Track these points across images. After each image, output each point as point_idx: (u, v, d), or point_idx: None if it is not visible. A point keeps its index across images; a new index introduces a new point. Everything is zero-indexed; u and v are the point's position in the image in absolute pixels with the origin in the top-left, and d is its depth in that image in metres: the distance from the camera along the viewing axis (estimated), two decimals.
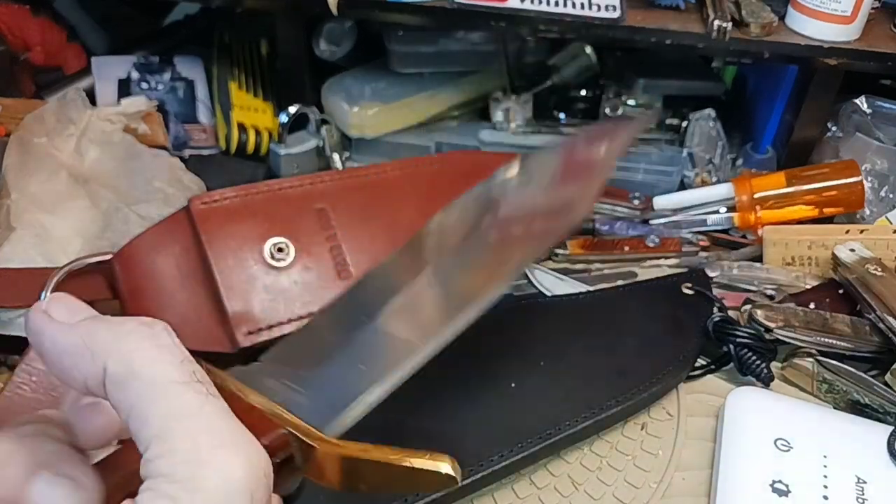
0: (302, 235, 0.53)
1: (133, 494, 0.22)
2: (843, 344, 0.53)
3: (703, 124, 0.72)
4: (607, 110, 0.73)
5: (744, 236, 0.67)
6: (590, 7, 0.63)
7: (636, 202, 0.69)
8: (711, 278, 0.60)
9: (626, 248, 0.64)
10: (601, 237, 0.67)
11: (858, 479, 0.44)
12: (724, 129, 0.73)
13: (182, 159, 0.66)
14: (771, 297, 0.59)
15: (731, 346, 0.53)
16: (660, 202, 0.68)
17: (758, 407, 0.49)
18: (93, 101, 0.66)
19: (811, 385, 0.53)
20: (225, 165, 0.71)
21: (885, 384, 0.50)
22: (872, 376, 0.51)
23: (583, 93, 0.76)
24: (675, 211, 0.68)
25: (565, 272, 0.62)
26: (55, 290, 0.48)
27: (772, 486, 0.44)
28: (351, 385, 0.31)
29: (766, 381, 0.52)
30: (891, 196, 0.67)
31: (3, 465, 0.24)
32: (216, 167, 0.70)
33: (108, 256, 0.51)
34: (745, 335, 0.52)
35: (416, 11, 0.64)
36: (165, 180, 0.62)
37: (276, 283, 0.51)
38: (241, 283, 0.50)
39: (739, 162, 0.74)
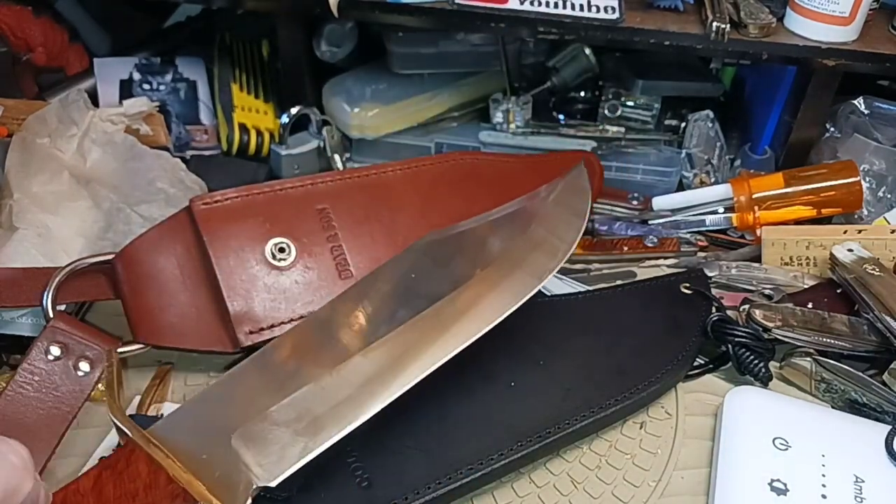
0: (303, 236, 0.53)
1: None
2: (841, 343, 0.53)
3: (702, 125, 0.72)
4: (606, 111, 0.74)
5: (742, 236, 0.67)
6: (589, 9, 0.64)
7: (635, 203, 0.70)
8: (710, 278, 0.60)
9: (625, 249, 0.65)
10: (600, 237, 0.67)
11: (857, 477, 0.45)
12: (722, 129, 0.73)
13: (184, 160, 0.66)
14: (769, 297, 0.59)
15: (730, 346, 0.53)
16: (658, 202, 0.68)
17: (756, 406, 0.49)
18: (95, 102, 0.66)
19: (809, 384, 0.53)
20: (226, 166, 0.71)
21: (883, 383, 0.50)
22: (870, 376, 0.51)
23: (582, 94, 0.77)
24: (674, 211, 0.68)
25: (564, 272, 0.62)
26: (57, 289, 0.48)
27: (770, 484, 0.44)
28: None
29: (764, 381, 0.52)
30: (889, 196, 0.67)
31: None
32: (217, 168, 0.71)
33: (110, 256, 0.51)
34: (744, 335, 0.53)
35: (417, 13, 0.64)
36: (167, 181, 0.62)
37: (278, 283, 0.51)
38: (243, 282, 0.50)
39: (738, 163, 0.74)
